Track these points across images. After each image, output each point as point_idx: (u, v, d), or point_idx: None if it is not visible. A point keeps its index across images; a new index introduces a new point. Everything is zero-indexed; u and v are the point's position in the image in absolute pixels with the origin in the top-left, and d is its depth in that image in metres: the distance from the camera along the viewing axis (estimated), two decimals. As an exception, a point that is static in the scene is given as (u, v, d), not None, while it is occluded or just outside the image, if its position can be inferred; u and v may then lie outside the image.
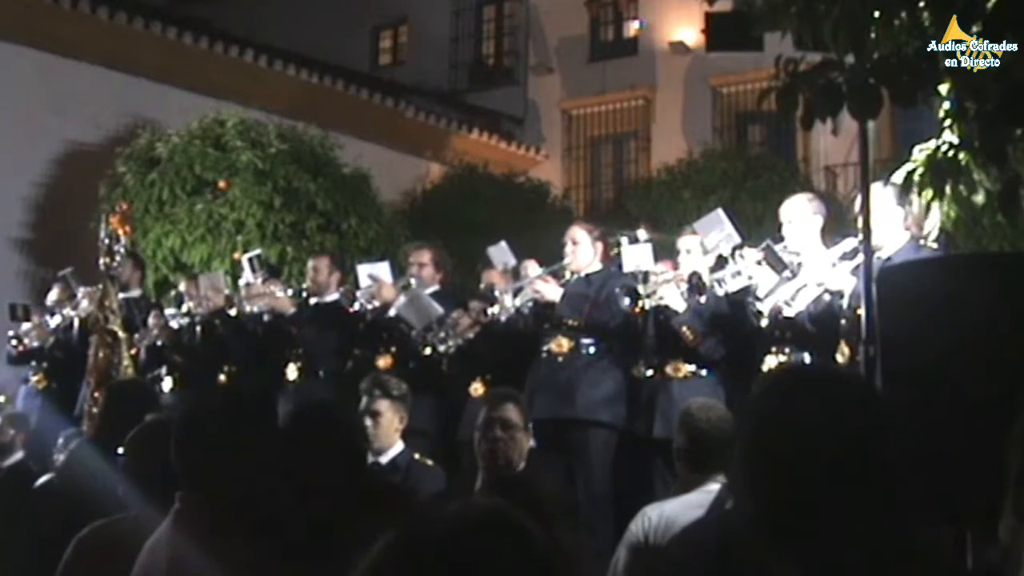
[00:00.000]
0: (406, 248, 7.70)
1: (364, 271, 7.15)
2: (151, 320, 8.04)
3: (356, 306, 6.89)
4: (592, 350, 6.07)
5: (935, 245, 4.71)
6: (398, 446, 5.02)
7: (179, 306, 8.08)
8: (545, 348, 6.14)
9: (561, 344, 6.10)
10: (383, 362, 6.69)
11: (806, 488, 1.48)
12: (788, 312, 5.15)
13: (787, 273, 5.14)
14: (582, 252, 6.26)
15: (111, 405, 4.50)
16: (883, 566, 1.47)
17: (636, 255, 5.97)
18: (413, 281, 6.80)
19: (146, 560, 2.52)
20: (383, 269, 7.08)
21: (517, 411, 4.50)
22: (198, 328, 7.75)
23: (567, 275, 6.29)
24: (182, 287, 8.54)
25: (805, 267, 5.18)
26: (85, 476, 3.82)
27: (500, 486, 4.25)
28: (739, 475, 1.56)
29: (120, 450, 3.43)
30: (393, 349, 6.75)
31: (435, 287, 6.86)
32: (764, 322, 5.27)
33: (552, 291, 6.21)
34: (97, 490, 3.53)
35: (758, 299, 5.28)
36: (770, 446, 1.52)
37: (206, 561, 2.40)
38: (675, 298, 5.67)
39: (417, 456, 5.12)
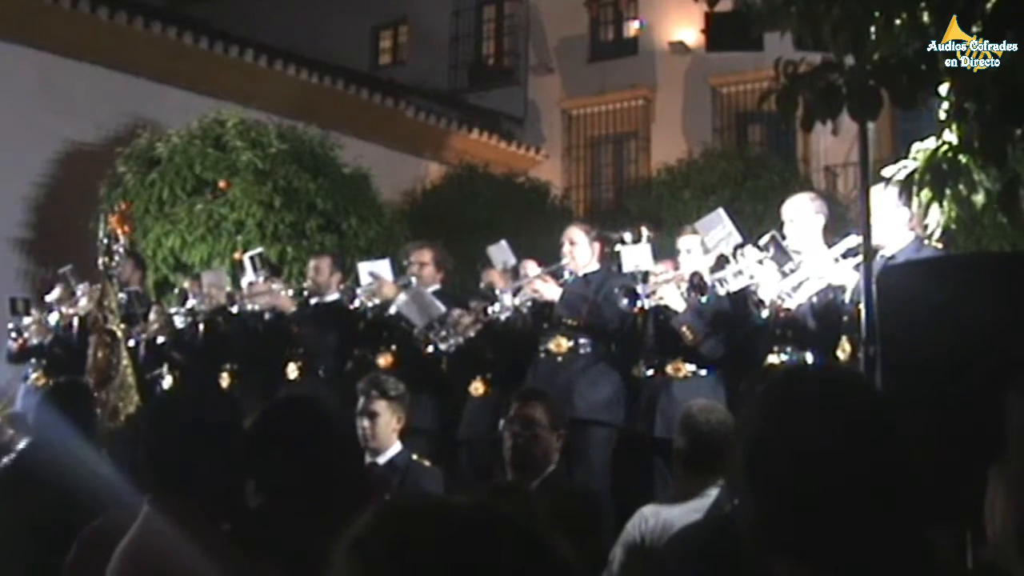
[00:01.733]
0: (407, 247, 7.68)
1: (365, 268, 7.16)
2: (152, 315, 8.03)
3: (356, 303, 6.88)
4: (589, 350, 6.08)
5: (939, 245, 4.72)
6: (396, 446, 5.02)
7: (183, 304, 8.08)
8: (543, 348, 6.15)
9: (560, 344, 6.11)
10: (384, 360, 6.68)
11: (811, 490, 1.48)
12: (789, 304, 5.15)
13: (791, 265, 5.15)
14: (580, 252, 6.26)
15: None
16: (890, 566, 1.47)
17: (635, 255, 5.98)
18: (414, 280, 6.80)
19: (119, 563, 2.51)
20: (384, 267, 7.09)
21: (542, 409, 4.51)
22: (200, 325, 7.75)
23: (566, 275, 6.29)
24: (186, 285, 8.55)
25: (807, 263, 5.19)
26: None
27: (492, 492, 4.24)
28: (741, 477, 1.56)
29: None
30: (394, 347, 6.74)
31: (436, 286, 6.86)
32: (765, 312, 5.27)
33: (551, 290, 6.22)
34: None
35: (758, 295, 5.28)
36: (773, 447, 1.52)
37: (178, 563, 2.40)
38: (675, 298, 5.67)
39: (415, 456, 5.11)
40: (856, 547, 1.46)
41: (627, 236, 6.17)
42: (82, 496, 3.35)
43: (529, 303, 6.37)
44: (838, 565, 1.46)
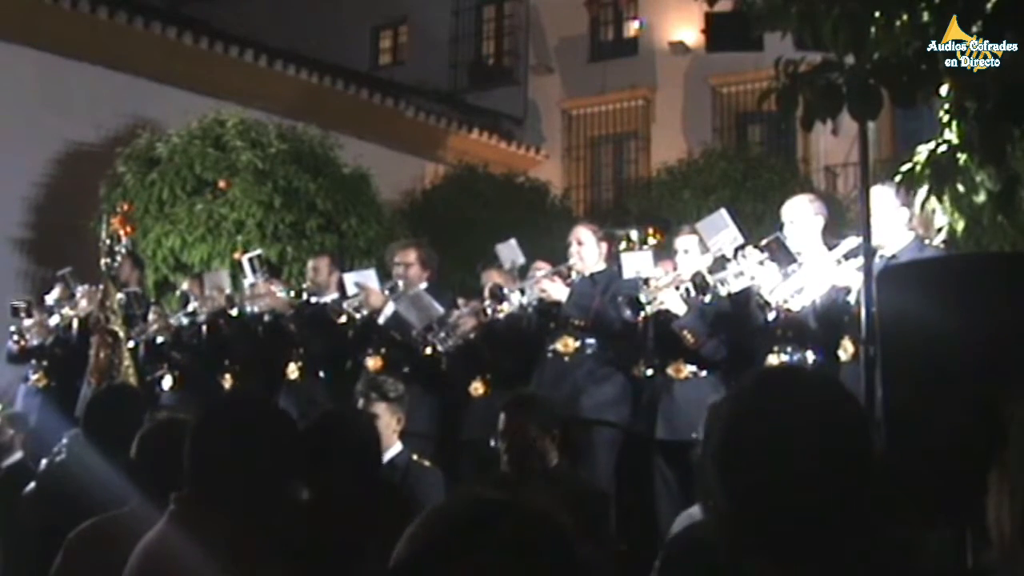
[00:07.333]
0: (391, 247, 7.63)
1: (350, 279, 7.07)
2: (151, 316, 8.04)
3: (343, 318, 6.84)
4: (595, 350, 6.07)
5: (941, 245, 4.73)
6: (396, 447, 5.02)
7: (185, 306, 8.07)
8: (551, 348, 6.14)
9: (567, 344, 6.09)
10: (372, 363, 6.67)
11: (784, 491, 1.49)
12: (793, 305, 5.15)
13: (793, 266, 5.15)
14: (587, 252, 6.25)
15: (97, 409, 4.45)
16: (866, 566, 1.47)
17: (636, 261, 5.97)
18: (400, 283, 6.77)
19: (139, 561, 2.50)
20: (370, 276, 7.03)
21: (532, 417, 4.53)
22: (203, 328, 7.74)
23: (572, 275, 6.28)
24: (184, 286, 8.54)
25: (807, 266, 5.19)
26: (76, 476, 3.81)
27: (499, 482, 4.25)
28: (715, 479, 1.56)
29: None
30: (383, 351, 6.71)
31: (423, 285, 6.82)
32: (771, 315, 5.26)
33: (558, 290, 6.20)
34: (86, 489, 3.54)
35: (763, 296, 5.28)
36: (746, 449, 1.53)
37: (199, 563, 2.38)
38: (675, 302, 5.67)
39: (415, 457, 5.11)
40: (831, 547, 1.47)
41: (633, 234, 6.16)
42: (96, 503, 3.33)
43: (535, 303, 6.36)
44: (812, 565, 1.47)
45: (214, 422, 2.66)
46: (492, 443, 4.59)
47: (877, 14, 3.80)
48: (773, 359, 5.35)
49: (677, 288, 5.67)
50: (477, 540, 1.19)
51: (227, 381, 7.48)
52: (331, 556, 2.84)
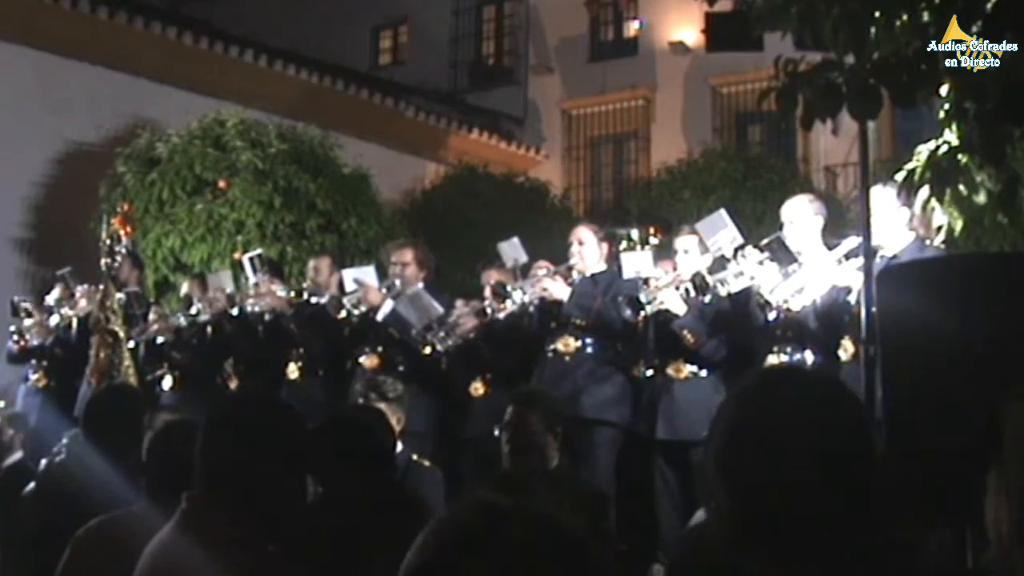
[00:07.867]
0: (388, 246, 7.62)
1: (349, 275, 7.08)
2: (151, 316, 8.03)
3: (343, 313, 6.85)
4: (595, 350, 6.07)
5: (941, 245, 4.73)
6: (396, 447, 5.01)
7: (188, 308, 8.07)
8: (551, 347, 6.14)
9: (568, 344, 6.09)
10: (369, 362, 6.67)
11: (779, 489, 1.49)
12: (793, 305, 5.16)
13: (794, 266, 5.15)
14: (588, 252, 6.25)
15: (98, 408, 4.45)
16: (866, 566, 1.48)
17: (636, 261, 5.97)
18: (398, 283, 6.77)
19: (151, 560, 2.50)
20: (369, 273, 7.03)
21: (536, 414, 4.57)
22: (208, 328, 7.74)
23: (573, 275, 6.28)
24: (185, 288, 8.53)
25: (807, 266, 5.19)
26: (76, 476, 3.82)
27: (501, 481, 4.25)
28: (716, 478, 1.56)
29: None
30: (380, 349, 6.72)
31: (420, 285, 6.82)
32: (771, 315, 5.26)
33: (560, 289, 6.19)
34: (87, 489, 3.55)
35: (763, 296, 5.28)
36: (747, 448, 1.53)
37: (209, 564, 2.38)
38: (675, 302, 5.67)
39: (415, 457, 5.11)
40: (831, 547, 1.47)
41: (634, 234, 6.16)
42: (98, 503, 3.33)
43: (536, 302, 6.35)
44: (812, 565, 1.47)
45: (225, 422, 2.65)
46: (496, 432, 4.60)
47: (877, 14, 3.80)
48: (773, 359, 5.34)
49: (677, 288, 5.67)
50: (486, 546, 1.19)
51: (228, 381, 7.48)
52: (339, 556, 2.84)
